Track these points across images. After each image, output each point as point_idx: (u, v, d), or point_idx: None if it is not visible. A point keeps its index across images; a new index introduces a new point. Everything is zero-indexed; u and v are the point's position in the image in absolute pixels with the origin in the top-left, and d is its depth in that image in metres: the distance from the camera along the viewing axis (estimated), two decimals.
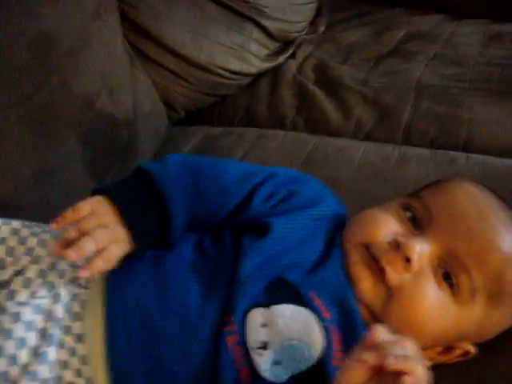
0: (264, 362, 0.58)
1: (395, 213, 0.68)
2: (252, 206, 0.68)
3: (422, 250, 0.63)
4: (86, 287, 0.62)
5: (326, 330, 0.59)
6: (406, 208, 0.68)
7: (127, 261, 0.62)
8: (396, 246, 0.63)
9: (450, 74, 1.25)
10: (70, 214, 0.60)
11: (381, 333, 0.50)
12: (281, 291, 0.61)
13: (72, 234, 0.59)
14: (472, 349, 0.67)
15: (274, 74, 1.26)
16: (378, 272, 0.63)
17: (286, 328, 0.59)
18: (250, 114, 1.20)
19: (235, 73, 1.21)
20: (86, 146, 0.86)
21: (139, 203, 0.63)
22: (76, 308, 0.60)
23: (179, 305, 0.60)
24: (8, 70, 0.80)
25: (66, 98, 0.85)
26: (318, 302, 0.61)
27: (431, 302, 0.63)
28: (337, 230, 0.69)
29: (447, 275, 0.64)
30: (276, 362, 0.58)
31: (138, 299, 0.61)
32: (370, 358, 0.49)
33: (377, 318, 0.63)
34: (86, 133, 0.86)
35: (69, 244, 0.58)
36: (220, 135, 1.10)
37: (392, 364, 0.47)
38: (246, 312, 0.60)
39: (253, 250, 0.64)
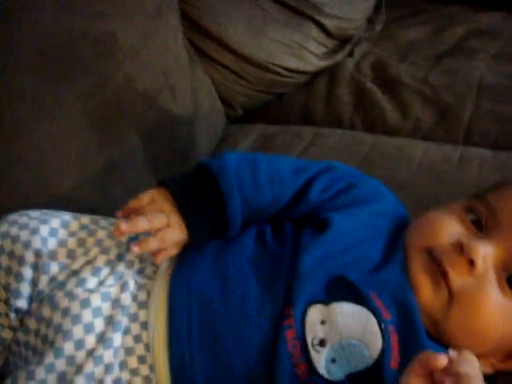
0: (321, 359, 0.58)
1: (458, 215, 0.67)
2: (310, 196, 0.68)
3: (486, 252, 0.62)
4: (152, 278, 0.64)
5: (385, 331, 0.59)
6: (469, 210, 0.67)
7: (189, 252, 0.65)
8: (459, 248, 0.62)
9: None
10: (132, 203, 0.65)
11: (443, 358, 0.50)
12: (341, 289, 0.61)
13: (131, 216, 0.63)
14: None
15: (332, 72, 1.25)
16: (440, 276, 0.62)
17: (346, 326, 0.59)
18: (307, 112, 1.20)
19: (293, 71, 1.21)
20: (148, 142, 0.87)
21: (196, 196, 0.65)
22: (142, 297, 0.62)
23: (240, 297, 0.61)
24: (73, 69, 0.82)
25: (129, 96, 0.87)
26: (378, 302, 0.61)
27: (494, 307, 0.61)
28: (399, 230, 0.68)
29: (511, 280, 0.62)
30: (333, 360, 0.58)
31: (200, 291, 0.62)
32: (437, 376, 0.48)
33: (437, 325, 0.63)
34: (148, 130, 0.88)
35: None
36: (277, 133, 1.10)
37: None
38: (305, 307, 0.60)
39: (313, 246, 0.64)
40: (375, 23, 1.45)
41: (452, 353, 0.51)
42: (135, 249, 0.61)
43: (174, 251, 0.64)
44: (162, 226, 0.63)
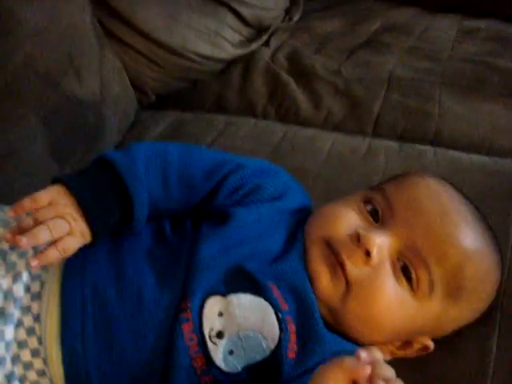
0: (218, 351, 0.58)
1: (356, 206, 0.68)
2: (217, 199, 0.68)
3: (381, 243, 0.63)
4: (46, 269, 0.61)
5: (282, 321, 0.59)
6: (367, 201, 0.68)
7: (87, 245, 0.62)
8: (356, 239, 0.63)
9: (422, 67, 1.25)
10: (28, 203, 0.59)
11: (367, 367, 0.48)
12: (239, 280, 0.61)
13: (28, 222, 0.58)
14: (430, 343, 0.67)
15: (247, 61, 1.25)
16: (337, 266, 0.63)
17: (243, 318, 0.59)
18: (221, 100, 1.19)
19: (207, 58, 1.20)
20: (50, 127, 0.83)
21: (100, 196, 0.62)
22: (36, 288, 0.60)
23: (135, 291, 0.60)
24: None
25: (30, 78, 0.83)
26: (276, 293, 0.61)
27: (389, 296, 0.63)
28: (301, 223, 0.69)
29: (406, 269, 0.64)
30: (230, 352, 0.58)
31: (95, 283, 0.60)
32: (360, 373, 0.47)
33: (335, 314, 0.64)
34: (50, 114, 0.84)
35: (23, 232, 0.57)
36: (190, 121, 1.09)
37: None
38: (202, 299, 0.59)
39: (211, 236, 0.63)
40: (293, 14, 1.46)
41: (366, 354, 0.48)
42: (35, 263, 0.57)
43: (70, 255, 0.61)
44: (63, 234, 0.59)
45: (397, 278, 0.63)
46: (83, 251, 0.62)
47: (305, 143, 1.01)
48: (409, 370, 0.64)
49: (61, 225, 0.59)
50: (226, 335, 0.58)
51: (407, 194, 0.67)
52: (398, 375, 0.49)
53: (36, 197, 0.60)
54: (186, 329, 0.58)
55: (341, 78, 1.20)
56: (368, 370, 0.47)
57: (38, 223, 0.58)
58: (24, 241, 0.56)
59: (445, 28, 1.43)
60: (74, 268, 0.61)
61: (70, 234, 0.59)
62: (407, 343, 0.68)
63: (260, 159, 0.76)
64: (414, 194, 0.67)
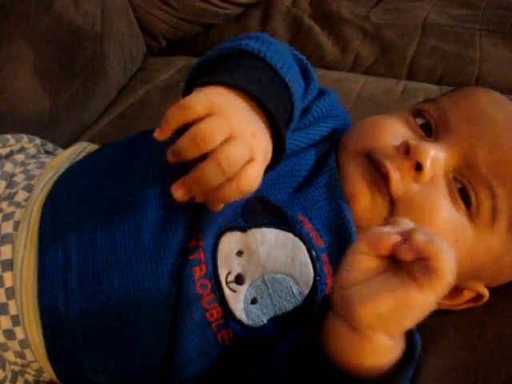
0: (238, 300, 0.46)
1: (405, 118, 0.55)
2: None
3: (436, 155, 0.50)
4: (22, 206, 0.50)
5: (317, 261, 0.48)
6: (418, 114, 0.55)
7: (71, 172, 0.52)
8: (404, 150, 0.51)
9: (459, 14, 1.15)
10: (177, 114, 0.40)
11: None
12: (261, 213, 0.49)
13: (189, 147, 0.40)
14: (485, 291, 0.55)
15: (267, 5, 1.15)
16: (380, 181, 0.50)
17: (269, 257, 0.47)
18: None
19: (224, 0, 1.09)
20: (39, 51, 0.73)
21: (272, 92, 0.45)
22: (7, 229, 0.49)
23: (132, 226, 0.48)
24: None
25: None
26: (308, 226, 0.49)
27: (443, 221, 0.50)
28: (334, 145, 0.57)
29: (464, 191, 0.51)
30: (253, 300, 0.47)
31: (79, 219, 0.48)
32: (389, 239, 0.35)
33: None
34: (40, 37, 0.73)
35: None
36: None
37: (418, 242, 0.34)
38: (217, 236, 0.48)
39: None
40: None
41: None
42: (179, 193, 0.41)
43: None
44: (240, 165, 0.40)
45: (453, 201, 0.51)
46: (69, 180, 0.51)
47: (332, 84, 0.89)
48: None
49: (237, 153, 0.40)
50: (248, 280, 0.47)
51: (467, 103, 0.54)
52: None
53: (188, 103, 0.40)
54: (198, 273, 0.46)
55: (370, 23, 1.11)
56: (395, 238, 0.35)
57: (199, 150, 0.39)
58: (180, 194, 0.40)
59: None
60: (55, 201, 0.50)
61: (250, 160, 0.41)
62: (456, 290, 0.55)
63: None
64: (476, 104, 0.54)
